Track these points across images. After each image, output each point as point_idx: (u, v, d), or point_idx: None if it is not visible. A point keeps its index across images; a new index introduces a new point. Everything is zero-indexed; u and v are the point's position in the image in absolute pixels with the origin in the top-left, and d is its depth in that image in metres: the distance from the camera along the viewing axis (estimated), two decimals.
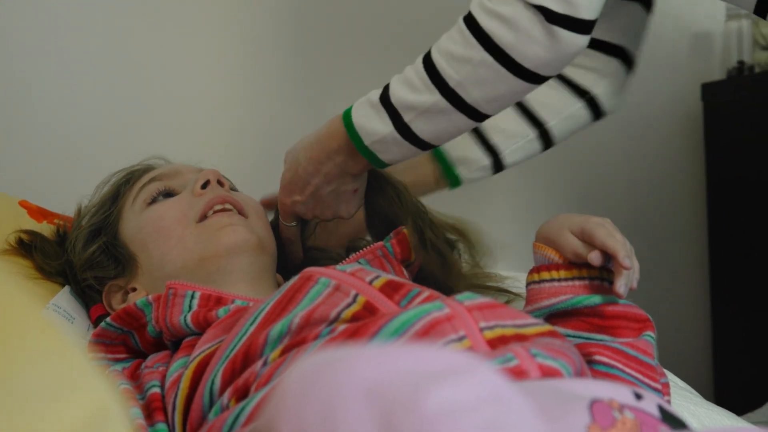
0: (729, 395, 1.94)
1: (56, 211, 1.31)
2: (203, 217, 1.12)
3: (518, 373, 0.73)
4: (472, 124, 1.09)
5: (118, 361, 1.07)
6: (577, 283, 1.04)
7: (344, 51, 1.74)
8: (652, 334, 1.03)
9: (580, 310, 1.03)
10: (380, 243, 1.12)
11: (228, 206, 1.13)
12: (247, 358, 0.88)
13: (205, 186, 1.15)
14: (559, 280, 1.05)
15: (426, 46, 1.09)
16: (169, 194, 1.17)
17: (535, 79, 1.04)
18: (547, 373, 0.75)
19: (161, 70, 1.64)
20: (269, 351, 0.86)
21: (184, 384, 0.93)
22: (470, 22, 1.04)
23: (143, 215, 1.15)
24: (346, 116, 1.13)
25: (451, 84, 1.05)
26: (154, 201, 1.16)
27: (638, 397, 0.70)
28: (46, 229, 1.26)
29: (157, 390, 0.97)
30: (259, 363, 0.85)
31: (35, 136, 1.56)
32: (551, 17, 1.00)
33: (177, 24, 1.66)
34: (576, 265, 1.05)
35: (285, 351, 0.85)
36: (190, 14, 1.66)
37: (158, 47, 1.64)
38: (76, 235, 1.20)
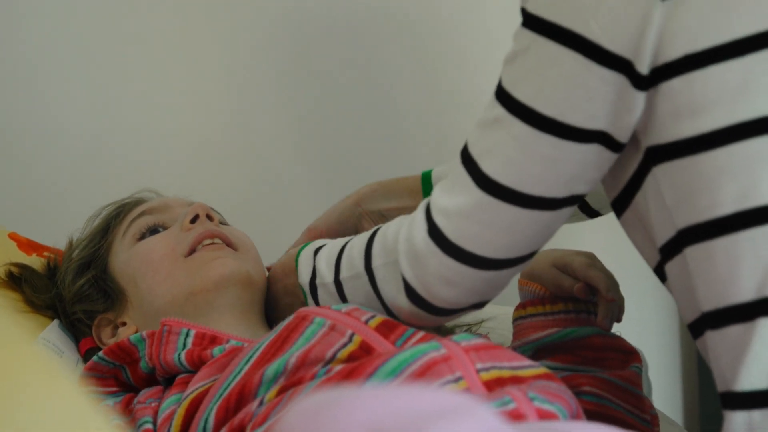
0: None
1: (46, 243, 1.31)
2: (192, 252, 1.12)
3: (516, 417, 0.74)
4: None
5: (109, 395, 1.07)
6: (563, 316, 1.06)
7: (338, 89, 1.75)
8: (639, 366, 1.05)
9: (568, 342, 1.04)
10: None
11: (217, 240, 1.14)
12: (241, 397, 0.88)
13: (194, 220, 1.15)
14: (545, 314, 1.07)
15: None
16: (158, 229, 1.17)
17: None
18: (544, 416, 0.75)
19: (148, 102, 1.64)
20: (264, 391, 0.86)
21: (177, 421, 0.93)
22: None
23: (132, 250, 1.15)
24: None
25: None
26: (143, 236, 1.16)
27: None
28: (36, 262, 1.25)
29: (149, 426, 0.96)
30: (255, 403, 0.86)
31: (24, 168, 1.55)
32: None
33: (164, 54, 1.66)
34: (562, 298, 1.07)
35: (281, 391, 0.85)
36: (178, 47, 1.66)
37: (144, 78, 1.64)
38: (66, 268, 1.19)
